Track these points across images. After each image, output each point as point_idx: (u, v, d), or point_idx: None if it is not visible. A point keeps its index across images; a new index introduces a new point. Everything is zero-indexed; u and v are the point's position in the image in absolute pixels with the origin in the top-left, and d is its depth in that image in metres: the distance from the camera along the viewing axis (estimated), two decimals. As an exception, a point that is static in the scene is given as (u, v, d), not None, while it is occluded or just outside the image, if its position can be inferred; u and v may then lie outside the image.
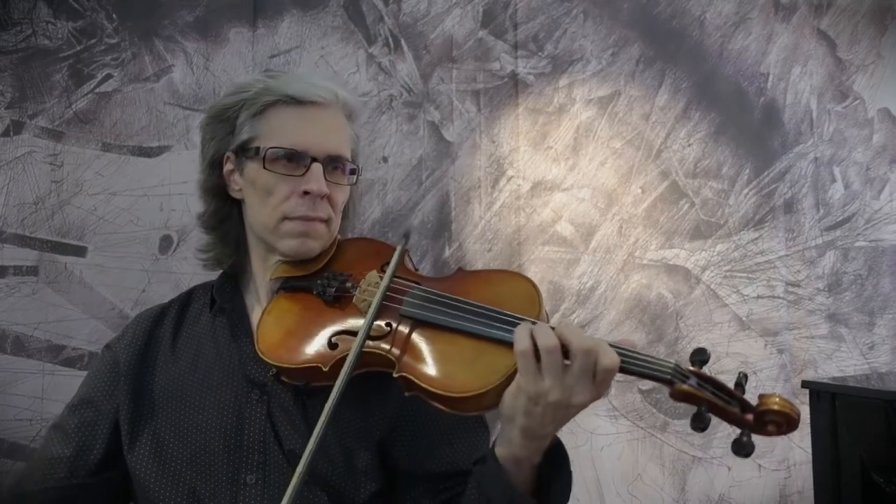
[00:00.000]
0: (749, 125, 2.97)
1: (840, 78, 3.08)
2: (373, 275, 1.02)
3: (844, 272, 3.03)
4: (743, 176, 2.95)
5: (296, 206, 1.04)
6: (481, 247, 2.70)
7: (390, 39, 2.68)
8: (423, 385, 0.87)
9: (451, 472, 1.01)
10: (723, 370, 2.84)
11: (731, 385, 0.82)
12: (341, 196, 1.09)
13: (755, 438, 0.80)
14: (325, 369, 0.93)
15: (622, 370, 0.82)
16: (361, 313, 0.98)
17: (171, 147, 2.48)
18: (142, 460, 1.02)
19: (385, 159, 2.64)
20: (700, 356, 0.83)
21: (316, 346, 0.97)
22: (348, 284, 1.02)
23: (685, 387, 0.80)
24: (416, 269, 1.09)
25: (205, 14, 2.53)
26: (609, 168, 2.83)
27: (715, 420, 0.81)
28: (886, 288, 3.06)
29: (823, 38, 3.07)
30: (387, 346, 0.92)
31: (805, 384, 2.49)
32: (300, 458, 0.98)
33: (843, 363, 2.98)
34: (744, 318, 2.90)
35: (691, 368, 0.82)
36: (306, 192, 1.03)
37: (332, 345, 0.96)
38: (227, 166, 1.10)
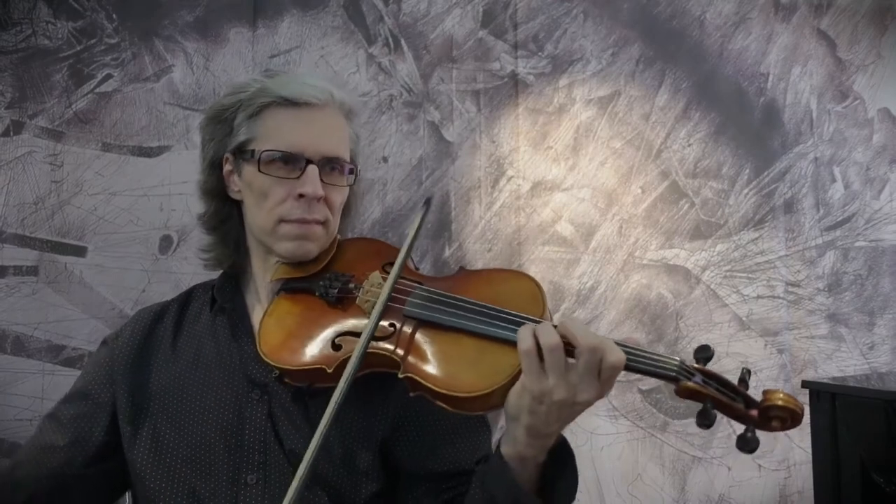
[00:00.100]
0: (749, 125, 2.97)
1: (840, 78, 3.08)
2: (375, 275, 1.01)
3: (844, 272, 3.03)
4: (743, 176, 2.95)
5: (292, 209, 1.03)
6: (481, 247, 2.70)
7: (390, 39, 2.68)
8: (429, 385, 0.87)
9: (453, 472, 1.01)
10: (723, 370, 2.81)
11: (734, 381, 0.82)
12: (339, 197, 1.08)
13: (759, 434, 0.80)
14: (329, 371, 0.93)
15: (628, 368, 0.82)
16: (365, 314, 0.98)
17: (171, 147, 2.48)
18: (142, 458, 1.02)
19: (385, 159, 2.64)
20: (704, 353, 0.83)
21: (319, 347, 0.97)
22: (351, 285, 1.01)
23: (690, 384, 0.80)
24: (417, 269, 1.08)
25: (205, 14, 2.53)
26: (609, 168, 2.83)
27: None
28: (886, 288, 3.06)
29: (823, 38, 3.07)
30: (391, 347, 0.92)
31: (805, 384, 2.49)
32: (301, 458, 0.98)
33: (843, 363, 2.98)
34: (744, 318, 2.90)
35: (696, 365, 0.82)
36: (302, 195, 1.02)
37: (335, 346, 0.96)
38: (227, 167, 1.09)
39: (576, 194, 2.80)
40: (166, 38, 2.51)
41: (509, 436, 0.86)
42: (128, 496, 1.38)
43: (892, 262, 3.08)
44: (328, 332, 0.98)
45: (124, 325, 1.17)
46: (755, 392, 0.82)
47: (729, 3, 2.97)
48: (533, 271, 2.72)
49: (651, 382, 2.70)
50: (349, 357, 0.91)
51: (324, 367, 0.94)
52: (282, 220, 1.04)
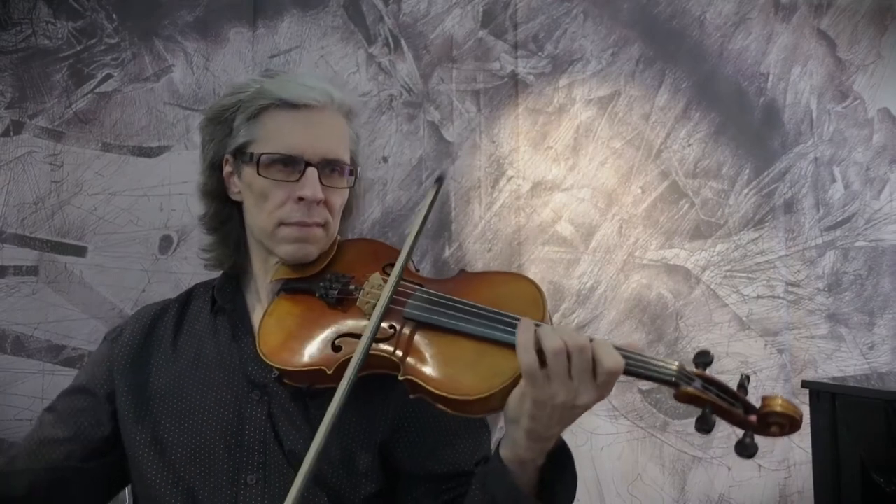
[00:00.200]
0: (749, 125, 2.97)
1: (840, 78, 3.08)
2: (376, 276, 1.01)
3: (844, 272, 3.03)
4: (743, 176, 2.95)
5: (291, 212, 1.03)
6: (481, 247, 2.70)
7: (390, 39, 2.68)
8: (429, 388, 0.87)
9: (452, 473, 1.01)
10: (723, 370, 2.84)
11: (733, 387, 0.82)
12: (339, 199, 1.08)
13: (757, 439, 0.80)
14: (329, 372, 0.93)
15: (627, 373, 0.82)
16: (365, 315, 0.98)
17: (171, 147, 2.48)
18: (143, 455, 1.02)
19: (385, 159, 2.64)
20: (704, 358, 0.83)
21: (319, 348, 0.97)
22: (351, 287, 1.01)
23: (690, 389, 0.80)
24: (417, 270, 1.08)
25: (205, 14, 2.53)
26: (609, 168, 2.83)
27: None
28: (886, 288, 3.06)
29: (823, 38, 3.07)
30: (391, 349, 0.92)
31: (805, 384, 2.49)
32: (301, 458, 0.98)
33: (843, 363, 2.98)
34: (744, 318, 2.90)
35: (695, 371, 0.82)
36: (301, 198, 1.02)
37: (335, 347, 0.96)
38: (227, 168, 1.09)
39: (576, 194, 2.80)
40: (166, 38, 2.51)
41: (509, 439, 0.86)
42: (128, 495, 1.38)
43: (892, 262, 3.08)
44: (328, 334, 0.98)
45: (125, 322, 1.17)
46: (754, 397, 0.82)
47: (729, 3, 2.97)
48: (533, 271, 2.72)
49: (651, 382, 2.70)
50: (349, 358, 0.91)
51: (323, 368, 0.94)
52: (281, 223, 1.04)
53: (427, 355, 0.91)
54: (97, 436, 1.06)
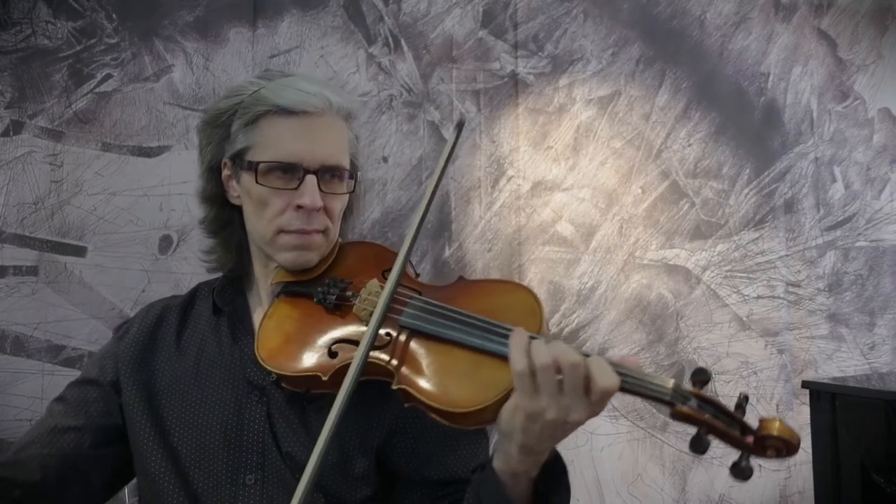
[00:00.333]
0: (749, 125, 2.97)
1: (840, 78, 3.08)
2: (373, 283, 1.00)
3: (845, 272, 3.02)
4: (743, 176, 2.95)
5: (291, 220, 1.02)
6: (481, 247, 2.70)
7: (390, 39, 2.68)
8: (422, 398, 0.86)
9: (449, 480, 1.01)
10: (723, 370, 2.84)
11: (731, 406, 0.80)
12: (338, 204, 1.07)
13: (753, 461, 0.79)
14: (324, 378, 0.93)
15: (621, 390, 0.80)
16: (361, 322, 0.97)
17: (171, 147, 2.48)
18: (148, 451, 1.03)
19: (385, 159, 2.64)
20: (701, 376, 0.81)
21: (316, 354, 0.96)
22: (349, 293, 1.01)
23: (685, 408, 0.78)
24: (417, 275, 1.08)
25: (205, 14, 2.53)
26: (609, 168, 2.83)
27: None
28: (887, 288, 3.06)
29: (824, 37, 3.07)
30: (386, 357, 0.91)
31: (805, 384, 2.49)
32: (298, 461, 0.98)
33: (844, 363, 2.98)
34: (744, 319, 2.90)
35: (692, 389, 0.80)
36: (300, 206, 1.01)
37: (332, 353, 0.95)
38: (225, 172, 1.09)
39: (576, 194, 2.80)
40: (166, 38, 2.50)
41: (501, 452, 0.85)
42: (127, 495, 1.38)
43: (892, 262, 3.08)
44: (325, 339, 0.97)
45: (134, 317, 1.17)
46: (754, 401, 0.81)
47: (729, 3, 2.97)
48: (533, 271, 2.71)
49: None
50: (345, 365, 0.90)
51: (319, 374, 0.93)
52: (281, 231, 1.03)
53: (421, 365, 0.90)
54: (106, 424, 1.06)
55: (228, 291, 1.14)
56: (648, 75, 2.88)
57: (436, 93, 2.70)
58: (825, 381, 2.58)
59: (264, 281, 1.10)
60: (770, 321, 2.92)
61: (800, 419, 2.77)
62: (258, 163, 1.02)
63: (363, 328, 0.95)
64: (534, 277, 2.71)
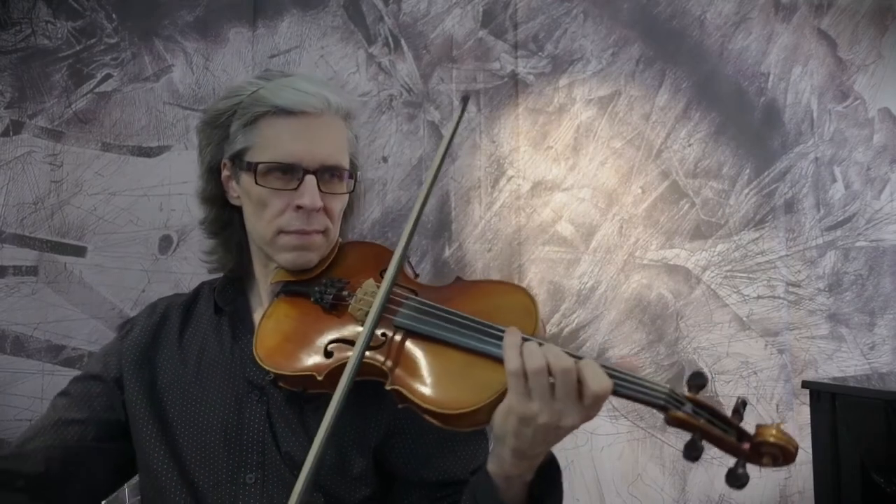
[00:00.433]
0: (749, 125, 2.96)
1: (840, 78, 3.08)
2: (369, 283, 1.00)
3: (845, 272, 3.02)
4: (743, 176, 2.95)
5: (290, 221, 1.02)
6: (481, 247, 2.70)
7: (390, 39, 2.68)
8: (415, 400, 0.86)
9: (448, 481, 1.01)
10: (723, 370, 2.84)
11: (728, 411, 0.79)
12: (338, 204, 1.07)
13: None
14: (319, 378, 0.93)
15: (614, 394, 0.80)
16: (356, 322, 0.97)
17: (171, 147, 2.48)
18: (151, 448, 1.03)
19: (385, 159, 2.64)
20: (697, 380, 0.80)
21: (312, 354, 0.96)
22: (345, 292, 1.01)
23: (679, 414, 0.77)
24: (416, 274, 1.08)
25: (205, 14, 2.53)
26: (609, 168, 2.83)
27: None
28: (887, 288, 3.06)
29: (824, 37, 3.07)
30: (381, 358, 0.91)
31: (805, 384, 2.49)
32: (297, 460, 0.98)
33: (844, 363, 2.98)
34: (744, 319, 2.90)
35: (687, 394, 0.79)
36: (300, 207, 1.01)
37: (327, 353, 0.95)
38: (225, 173, 1.09)
39: (576, 194, 2.80)
40: (166, 38, 2.50)
41: (495, 455, 0.85)
42: (127, 495, 1.38)
43: (892, 263, 3.07)
44: (321, 339, 0.97)
45: (138, 315, 1.17)
46: (753, 404, 0.80)
47: (729, 3, 2.97)
48: (533, 271, 2.71)
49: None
50: (340, 365, 0.91)
51: (314, 373, 0.93)
52: (281, 231, 1.03)
53: (415, 366, 0.89)
54: (110, 419, 1.06)
55: (229, 291, 1.14)
56: (648, 75, 2.88)
57: (436, 93, 2.70)
58: (825, 381, 2.58)
59: (264, 281, 1.11)
60: (770, 321, 2.92)
61: (800, 419, 2.77)
62: (257, 163, 1.02)
63: (358, 328, 0.95)
64: (534, 277, 2.71)
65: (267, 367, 0.97)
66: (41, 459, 1.00)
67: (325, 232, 1.06)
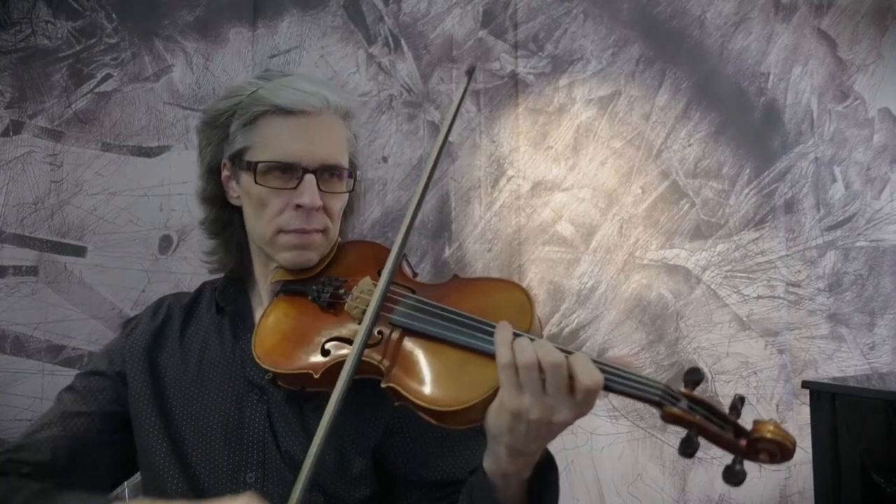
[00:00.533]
0: (749, 125, 2.96)
1: (841, 78, 3.08)
2: (366, 281, 1.00)
3: (845, 272, 3.02)
4: (743, 176, 2.95)
5: (290, 220, 1.03)
6: (481, 247, 2.70)
7: (390, 39, 2.68)
8: (410, 397, 0.86)
9: (447, 481, 1.01)
10: (723, 370, 2.84)
11: (727, 405, 0.79)
12: (338, 203, 1.08)
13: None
14: (316, 376, 0.93)
15: (607, 389, 0.79)
16: (353, 320, 0.97)
17: (171, 147, 2.48)
18: (154, 445, 1.03)
19: (385, 159, 2.64)
20: (693, 376, 0.79)
21: (309, 352, 0.97)
22: (341, 291, 1.01)
23: (675, 410, 0.76)
24: (415, 273, 1.08)
25: (205, 14, 2.53)
26: (609, 168, 2.83)
27: None
28: (887, 288, 3.06)
29: (824, 37, 3.07)
30: (378, 357, 0.91)
31: (805, 384, 2.49)
32: (296, 459, 0.98)
33: (844, 363, 2.98)
34: (744, 319, 2.90)
35: (683, 390, 0.78)
36: (299, 206, 1.02)
37: (324, 351, 0.95)
38: (224, 173, 1.09)
39: (576, 194, 2.80)
40: (166, 38, 2.50)
41: (491, 453, 0.85)
42: (127, 494, 1.38)
43: (892, 262, 3.08)
44: (318, 338, 0.98)
45: (142, 313, 1.18)
46: (752, 406, 0.80)
47: (729, 3, 2.97)
48: (533, 271, 2.71)
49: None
50: (336, 363, 0.91)
51: (311, 372, 0.93)
52: (281, 231, 1.04)
53: (411, 363, 0.89)
54: (116, 412, 1.07)
55: (230, 291, 1.15)
56: (648, 75, 2.88)
57: (436, 93, 2.70)
58: (825, 381, 2.58)
59: (264, 280, 1.11)
60: (770, 321, 2.92)
61: (800, 419, 2.77)
62: (257, 163, 1.02)
63: (355, 326, 0.95)
64: (534, 277, 2.71)
65: (265, 366, 0.97)
66: (48, 448, 1.01)
67: (324, 231, 1.06)
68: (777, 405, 2.86)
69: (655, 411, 0.79)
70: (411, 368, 0.89)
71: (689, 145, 2.91)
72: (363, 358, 0.90)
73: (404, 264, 1.05)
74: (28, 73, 2.40)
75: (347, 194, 1.10)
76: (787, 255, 2.96)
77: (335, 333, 0.98)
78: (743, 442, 0.76)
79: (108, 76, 2.46)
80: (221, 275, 1.18)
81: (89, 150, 2.43)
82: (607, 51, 2.85)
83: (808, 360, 2.94)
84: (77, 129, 2.43)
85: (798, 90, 3.02)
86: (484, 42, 2.75)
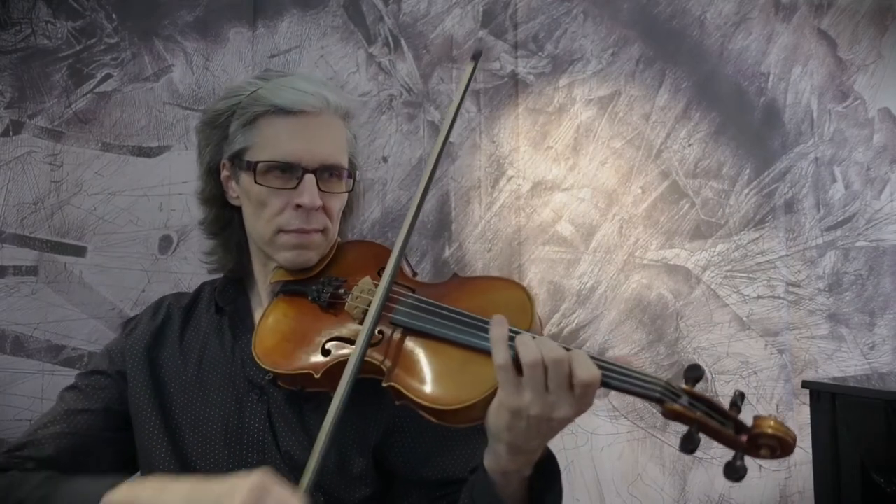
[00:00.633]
0: (749, 125, 2.96)
1: (841, 78, 3.08)
2: (366, 281, 1.00)
3: (845, 272, 3.02)
4: (743, 176, 2.95)
5: (290, 220, 1.03)
6: (481, 247, 2.70)
7: (390, 39, 2.68)
8: (411, 396, 0.86)
9: (447, 480, 1.01)
10: (723, 370, 2.84)
11: (726, 403, 0.79)
12: (338, 203, 1.08)
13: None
14: (316, 376, 0.93)
15: (606, 385, 0.79)
16: (353, 320, 0.98)
17: (171, 147, 2.48)
18: (154, 445, 1.03)
19: (385, 159, 2.64)
20: (694, 373, 0.79)
21: (309, 352, 0.97)
22: (341, 291, 1.01)
23: (676, 406, 0.77)
24: (415, 273, 1.08)
25: (205, 14, 2.53)
26: (609, 168, 2.83)
27: None
28: (887, 288, 3.06)
29: (824, 37, 3.07)
30: (379, 356, 0.91)
31: (805, 384, 2.49)
32: (296, 460, 0.98)
33: (844, 363, 2.98)
34: (744, 319, 2.90)
35: (683, 386, 0.79)
36: (299, 206, 1.02)
37: (324, 351, 0.96)
38: (224, 173, 1.09)
39: (576, 194, 2.80)
40: (166, 38, 2.50)
41: (491, 451, 0.85)
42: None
43: (892, 263, 3.07)
44: (318, 338, 0.98)
45: (142, 313, 1.18)
46: (751, 405, 0.80)
47: (729, 3, 2.97)
48: (533, 271, 2.71)
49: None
50: (337, 363, 0.91)
51: (311, 372, 0.94)
52: (280, 230, 1.04)
53: (411, 363, 0.90)
54: (119, 409, 1.07)
55: (230, 291, 1.15)
56: (648, 75, 2.88)
57: (436, 93, 2.70)
58: (825, 381, 2.58)
59: (264, 281, 1.11)
60: (770, 321, 2.92)
61: (800, 419, 2.76)
62: (257, 163, 1.02)
63: (355, 326, 0.95)
64: (534, 277, 2.71)
65: (265, 367, 0.98)
66: (52, 445, 1.01)
67: (324, 231, 1.06)
68: (777, 405, 2.86)
69: (656, 409, 0.79)
70: (412, 367, 0.89)
71: (689, 145, 2.91)
72: (365, 358, 0.90)
73: (404, 264, 1.05)
74: (28, 73, 2.40)
75: (347, 194, 1.10)
76: (787, 255, 2.96)
77: (336, 333, 0.98)
78: (744, 438, 0.76)
79: (108, 76, 2.46)
80: (221, 275, 1.18)
81: (89, 150, 2.43)
82: (607, 51, 2.85)
83: (808, 360, 2.94)
84: (77, 129, 2.43)
85: (798, 90, 3.02)
86: (484, 42, 2.75)
